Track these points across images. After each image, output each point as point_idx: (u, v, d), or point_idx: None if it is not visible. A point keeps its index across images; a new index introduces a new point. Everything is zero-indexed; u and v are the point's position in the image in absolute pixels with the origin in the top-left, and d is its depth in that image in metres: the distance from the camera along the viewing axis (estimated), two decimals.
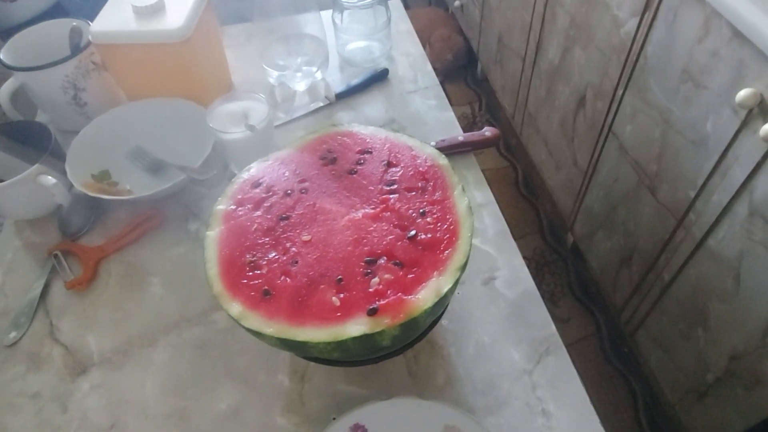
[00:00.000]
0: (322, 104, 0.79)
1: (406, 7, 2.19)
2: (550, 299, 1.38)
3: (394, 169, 0.51)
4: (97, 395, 0.53)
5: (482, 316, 0.57)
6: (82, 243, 0.65)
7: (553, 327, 0.56)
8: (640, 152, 1.02)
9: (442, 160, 0.51)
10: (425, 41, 1.87)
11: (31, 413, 0.52)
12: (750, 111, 0.75)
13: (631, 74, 1.00)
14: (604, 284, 1.26)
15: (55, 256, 0.63)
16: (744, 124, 0.77)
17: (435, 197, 0.49)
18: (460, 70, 2.01)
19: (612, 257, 1.19)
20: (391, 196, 0.49)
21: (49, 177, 0.61)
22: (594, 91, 1.14)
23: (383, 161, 0.52)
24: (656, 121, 0.96)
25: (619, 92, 1.05)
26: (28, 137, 0.68)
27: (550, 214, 1.58)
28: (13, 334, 0.57)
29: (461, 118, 1.70)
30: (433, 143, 0.69)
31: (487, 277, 0.60)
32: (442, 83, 0.81)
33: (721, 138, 0.81)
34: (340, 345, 0.41)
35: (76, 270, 0.63)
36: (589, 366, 1.29)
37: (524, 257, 0.60)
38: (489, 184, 0.68)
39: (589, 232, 1.28)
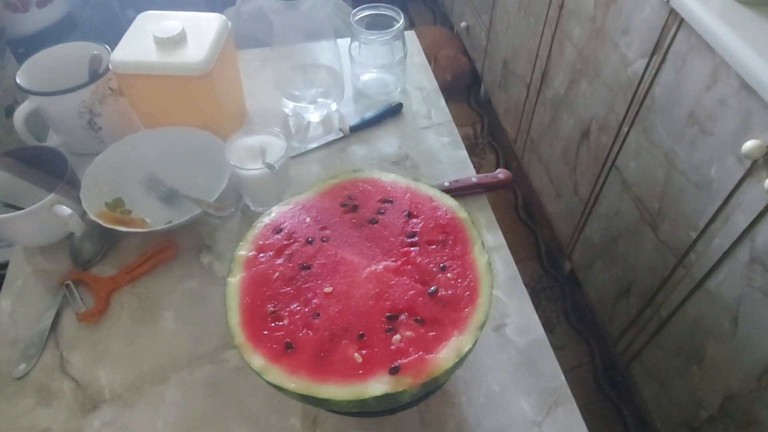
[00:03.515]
0: (336, 137, 0.79)
1: (411, 24, 2.18)
2: (545, 325, 1.39)
3: (414, 221, 0.52)
4: None
5: (493, 364, 0.57)
6: (93, 272, 0.65)
7: (563, 378, 0.56)
8: (642, 189, 1.04)
9: (462, 213, 0.52)
10: (430, 59, 1.88)
11: None
12: (755, 161, 0.76)
13: (638, 112, 1.02)
14: (600, 314, 1.27)
15: (67, 285, 0.63)
16: (748, 173, 0.78)
17: (455, 252, 0.49)
18: (463, 90, 2.02)
19: (610, 288, 1.21)
20: (412, 248, 0.50)
21: (65, 207, 0.61)
22: (599, 125, 1.16)
23: (404, 211, 0.52)
24: (660, 160, 0.97)
25: (624, 129, 1.07)
26: (42, 162, 0.67)
27: (548, 240, 1.59)
28: (22, 366, 0.57)
29: (463, 139, 1.72)
30: (447, 183, 0.70)
31: (497, 323, 0.60)
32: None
33: (724, 184, 0.83)
34: (361, 403, 0.42)
35: (87, 300, 0.62)
36: (582, 394, 1.30)
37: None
38: None
39: (588, 261, 1.29)
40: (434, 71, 0.89)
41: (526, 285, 0.62)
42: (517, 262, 0.63)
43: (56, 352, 0.58)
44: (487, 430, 0.53)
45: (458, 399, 0.55)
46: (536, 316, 0.61)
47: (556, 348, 1.36)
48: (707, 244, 0.88)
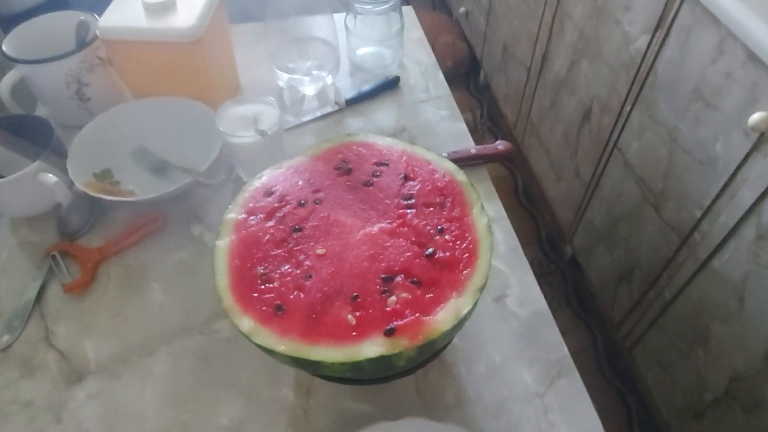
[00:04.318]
0: (331, 109, 0.77)
1: None
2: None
3: (411, 183, 0.50)
4: (94, 405, 0.51)
5: (493, 335, 0.55)
6: (80, 243, 0.63)
7: (566, 349, 0.55)
8: (645, 169, 1.02)
9: (461, 176, 0.50)
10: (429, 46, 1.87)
11: (24, 422, 0.50)
12: (762, 134, 0.74)
13: (640, 91, 1.00)
14: (602, 298, 1.26)
15: (53, 257, 0.61)
16: (755, 148, 0.76)
17: (453, 214, 0.47)
18: (463, 77, 2.00)
19: (612, 272, 1.19)
20: (408, 211, 0.48)
21: (50, 175, 0.59)
22: (600, 106, 1.14)
23: (400, 174, 0.50)
24: (664, 139, 0.95)
25: (627, 108, 1.05)
26: (28, 132, 0.65)
27: (549, 225, 1.57)
28: (5, 338, 0.55)
29: (467, 129, 1.71)
30: (445, 154, 0.68)
31: (498, 294, 0.59)
32: None
33: (730, 160, 0.81)
34: (355, 366, 0.40)
35: (74, 272, 0.60)
36: (584, 379, 1.28)
37: None
38: None
39: (589, 245, 1.27)
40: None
41: None
42: None
43: (41, 323, 0.57)
44: (487, 401, 0.51)
45: (457, 370, 0.53)
46: (538, 288, 0.59)
47: None
48: (712, 223, 0.86)
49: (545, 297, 0.58)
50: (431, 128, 0.75)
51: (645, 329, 1.09)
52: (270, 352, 0.41)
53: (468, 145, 0.73)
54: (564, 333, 1.49)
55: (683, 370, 0.99)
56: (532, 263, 1.46)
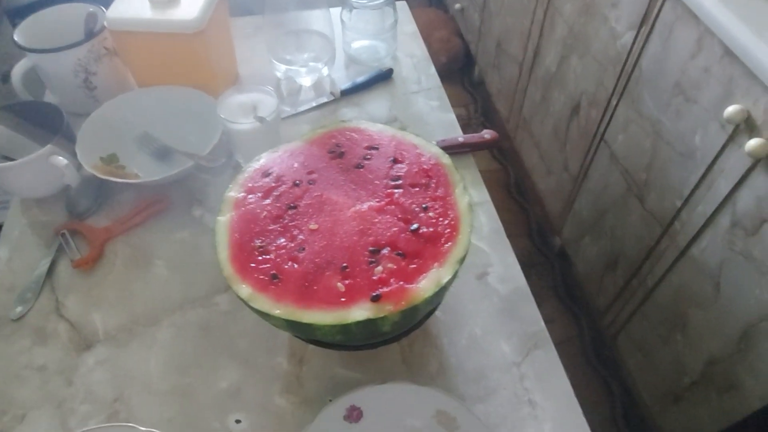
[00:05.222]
0: (327, 100, 0.81)
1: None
2: (534, 300, 1.41)
3: (399, 166, 0.54)
4: (102, 370, 0.55)
5: (475, 310, 0.59)
6: (88, 223, 0.66)
7: (542, 323, 0.59)
8: (630, 161, 1.06)
9: (445, 159, 0.54)
10: (424, 42, 1.90)
11: (37, 385, 0.54)
12: (737, 126, 0.78)
13: (626, 85, 1.04)
14: (588, 288, 1.30)
15: (62, 234, 0.64)
16: (730, 139, 0.80)
17: (437, 194, 0.51)
18: (457, 73, 2.04)
19: (598, 262, 1.23)
20: (395, 190, 0.51)
21: (61, 158, 0.63)
22: (588, 100, 1.18)
23: (389, 157, 0.54)
24: (647, 131, 0.99)
25: (613, 102, 1.09)
26: (38, 117, 0.69)
27: (539, 217, 1.61)
28: (19, 309, 0.59)
29: (456, 119, 1.74)
30: (434, 142, 0.72)
31: (480, 272, 0.62)
32: None
33: (708, 151, 0.85)
34: (344, 328, 0.43)
35: (82, 249, 0.64)
36: (569, 367, 1.31)
37: None
38: None
39: (577, 236, 1.31)
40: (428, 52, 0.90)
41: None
42: (508, 238, 0.65)
43: (52, 296, 0.60)
44: (467, 370, 0.55)
45: (440, 341, 0.57)
46: (518, 267, 0.63)
47: (545, 322, 1.39)
48: (691, 212, 0.90)
49: (534, 287, 0.62)
50: (422, 118, 0.79)
51: (628, 317, 1.13)
52: (266, 316, 0.45)
53: (456, 134, 0.76)
54: (552, 322, 1.53)
55: (663, 356, 1.03)
56: (521, 254, 1.50)
